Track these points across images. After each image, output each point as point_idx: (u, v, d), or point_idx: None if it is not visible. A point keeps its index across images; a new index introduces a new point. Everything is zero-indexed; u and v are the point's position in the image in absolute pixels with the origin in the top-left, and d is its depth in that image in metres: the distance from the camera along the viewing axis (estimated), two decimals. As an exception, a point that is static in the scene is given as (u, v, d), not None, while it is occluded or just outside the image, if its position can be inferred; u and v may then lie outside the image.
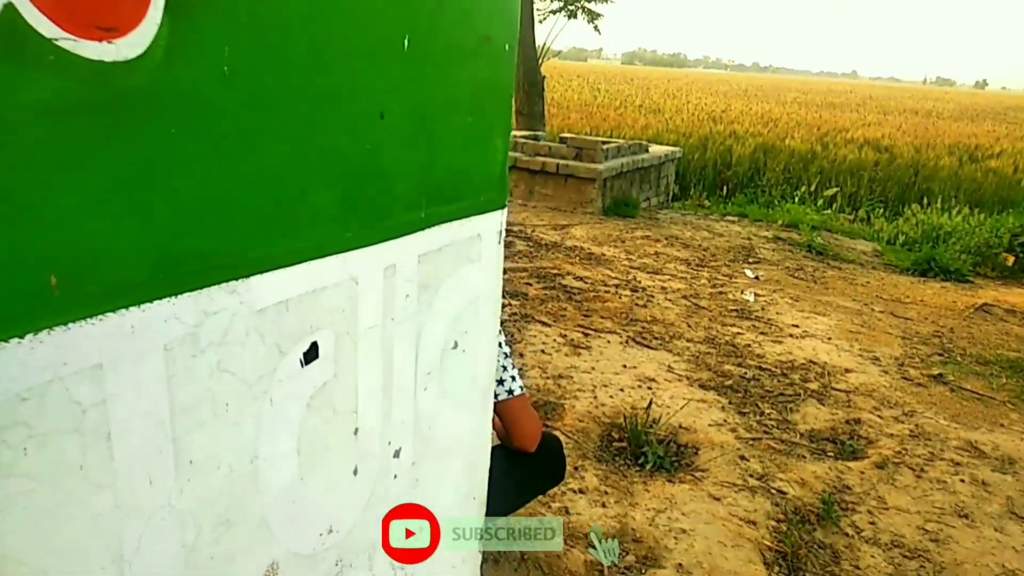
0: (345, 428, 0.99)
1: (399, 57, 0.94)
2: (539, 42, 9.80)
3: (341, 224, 0.90)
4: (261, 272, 0.82)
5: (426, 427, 1.17)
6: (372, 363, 1.01)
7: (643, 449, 2.65)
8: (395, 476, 1.10)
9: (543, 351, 3.42)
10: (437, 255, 1.10)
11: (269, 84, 0.78)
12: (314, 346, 0.90)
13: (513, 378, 1.70)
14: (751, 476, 2.56)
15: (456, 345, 1.19)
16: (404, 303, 1.05)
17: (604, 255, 5.30)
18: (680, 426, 2.86)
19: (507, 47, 1.15)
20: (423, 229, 1.06)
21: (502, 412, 1.72)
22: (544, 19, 10.47)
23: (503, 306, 3.87)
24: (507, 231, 5.43)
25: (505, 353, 1.68)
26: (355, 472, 1.01)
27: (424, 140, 1.02)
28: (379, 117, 0.93)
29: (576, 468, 2.51)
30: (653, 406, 2.99)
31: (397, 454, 1.10)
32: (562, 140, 6.86)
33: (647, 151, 7.54)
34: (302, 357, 0.89)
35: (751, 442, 2.80)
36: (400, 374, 1.08)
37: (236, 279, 0.79)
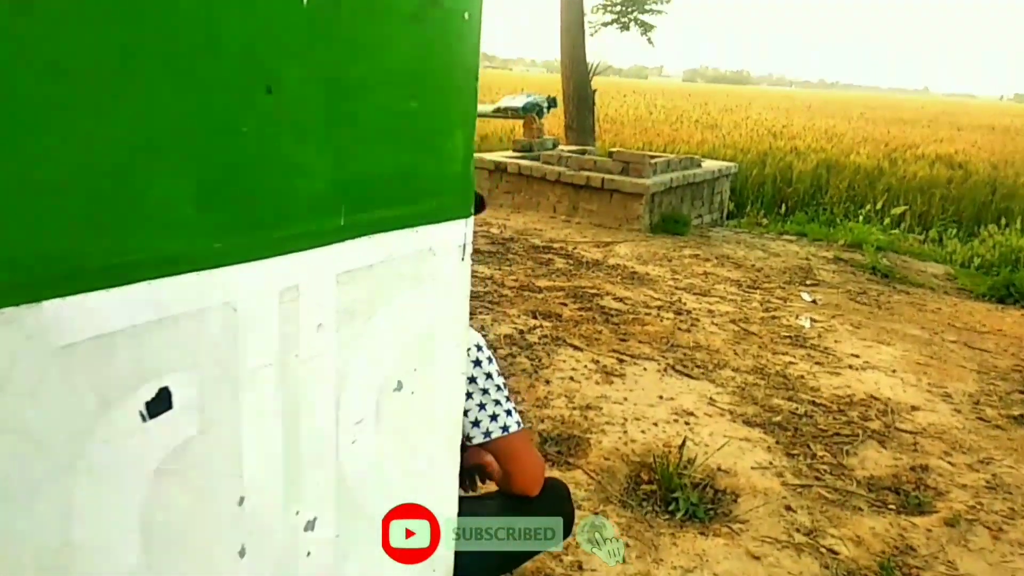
0: (222, 498, 0.75)
1: (296, 13, 0.71)
2: (590, 57, 9.58)
3: (201, 230, 0.67)
4: (65, 294, 0.59)
5: (357, 489, 0.93)
6: (264, 413, 0.78)
7: (674, 494, 2.35)
8: (308, 554, 0.86)
9: (572, 378, 3.16)
10: (367, 274, 0.87)
11: (79, 35, 0.56)
12: (163, 393, 0.67)
13: (509, 412, 1.46)
14: (798, 531, 2.24)
15: (401, 386, 0.96)
16: (315, 336, 0.82)
17: (648, 274, 5.00)
18: (719, 468, 2.56)
19: (466, 15, 0.91)
20: (342, 241, 0.83)
21: (498, 452, 1.49)
22: (596, 32, 10.25)
23: (532, 328, 3.63)
24: (547, 248, 5.21)
25: (498, 385, 1.44)
26: (241, 553, 0.77)
27: (338, 126, 0.78)
28: (264, 91, 0.70)
29: (596, 514, 2.23)
30: (689, 444, 2.69)
31: (310, 526, 0.86)
32: (610, 155, 6.60)
33: (699, 166, 7.21)
34: (144, 409, 0.67)
35: (799, 490, 2.47)
36: (313, 425, 0.85)
37: (21, 303, 0.57)
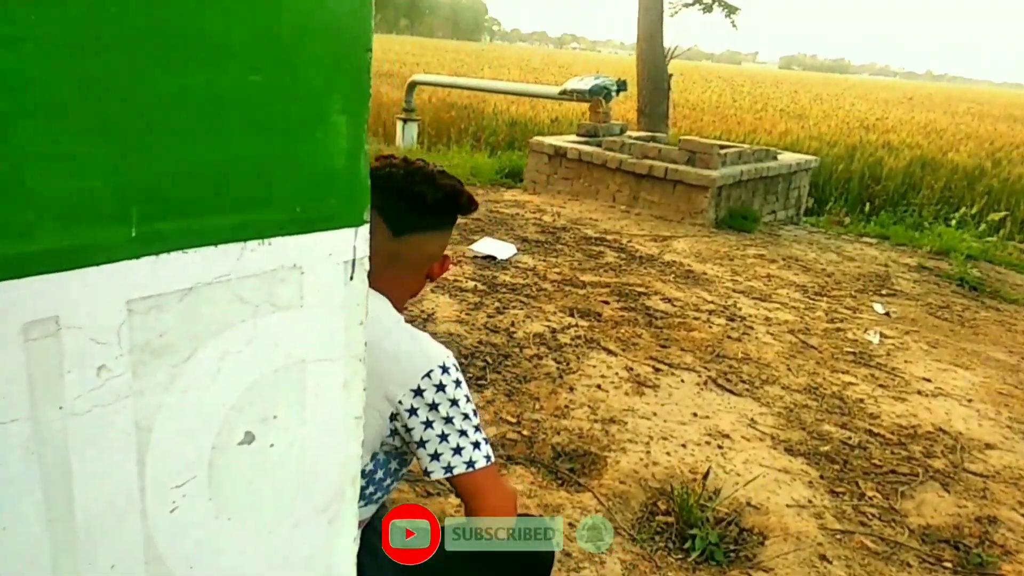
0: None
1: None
2: (673, 40, 9.14)
3: None
4: None
5: (181, 569, 0.73)
6: (11, 483, 0.59)
7: (692, 530, 2.09)
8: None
9: (599, 386, 2.91)
10: (182, 301, 0.66)
11: None
12: None
13: (476, 445, 1.25)
14: (830, 587, 1.95)
15: (252, 438, 0.75)
16: (95, 382, 0.61)
17: (704, 274, 4.67)
18: (748, 503, 2.27)
19: (344, -38, 0.68)
20: (135, 258, 0.62)
21: (461, 489, 1.29)
22: (676, 12, 9.78)
23: (566, 328, 3.38)
24: (599, 240, 4.93)
25: (465, 414, 1.24)
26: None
27: (122, 103, 0.57)
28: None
29: (598, 546, 2.00)
30: (718, 472, 2.41)
31: (99, 621, 0.66)
32: (679, 143, 6.23)
33: (775, 159, 6.75)
34: None
35: (839, 536, 2.17)
36: (100, 494, 0.65)
37: None
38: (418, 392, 1.21)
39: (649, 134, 7.98)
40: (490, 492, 1.29)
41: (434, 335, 3.15)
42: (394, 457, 1.31)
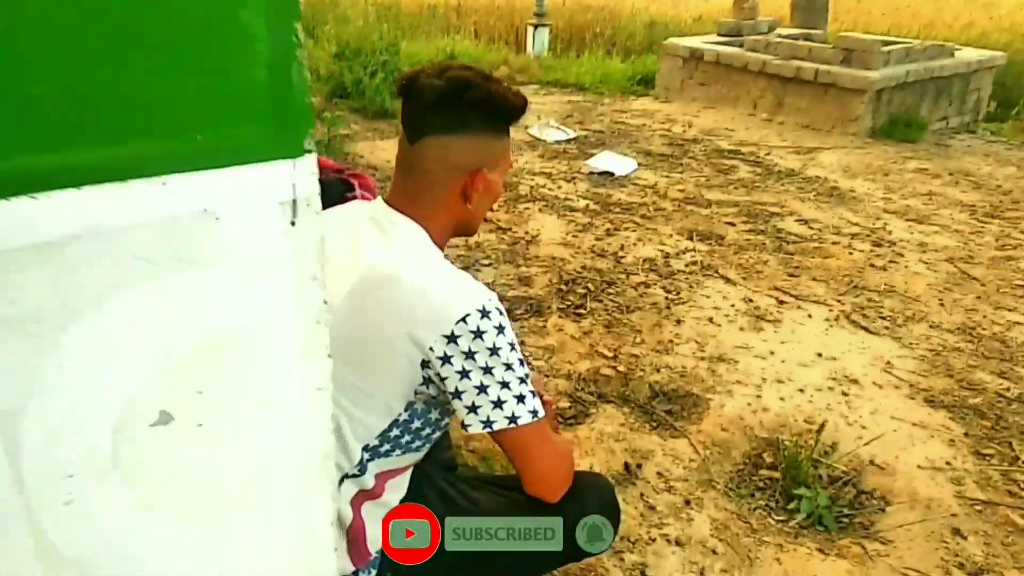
0: None
1: None
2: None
3: None
4: None
5: (96, 568, 0.63)
6: None
7: (799, 490, 1.86)
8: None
9: (711, 319, 2.65)
10: (48, 258, 0.53)
11: None
12: None
13: (521, 398, 1.10)
14: (961, 567, 1.67)
15: (169, 418, 0.63)
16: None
17: (852, 191, 4.15)
18: (872, 461, 1.99)
19: None
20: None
21: (504, 446, 1.15)
22: None
23: (682, 252, 3.11)
24: (733, 152, 4.51)
25: (507, 364, 1.09)
26: None
27: None
28: None
29: (687, 502, 1.82)
30: (839, 423, 2.13)
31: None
32: (837, 41, 5.51)
33: (951, 55, 5.85)
34: None
35: (980, 507, 1.86)
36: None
37: None
38: (452, 339, 1.05)
39: (803, 31, 7.15)
40: (537, 451, 1.14)
41: (536, 258, 3.00)
42: (435, 406, 1.17)
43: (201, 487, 0.67)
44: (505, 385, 1.08)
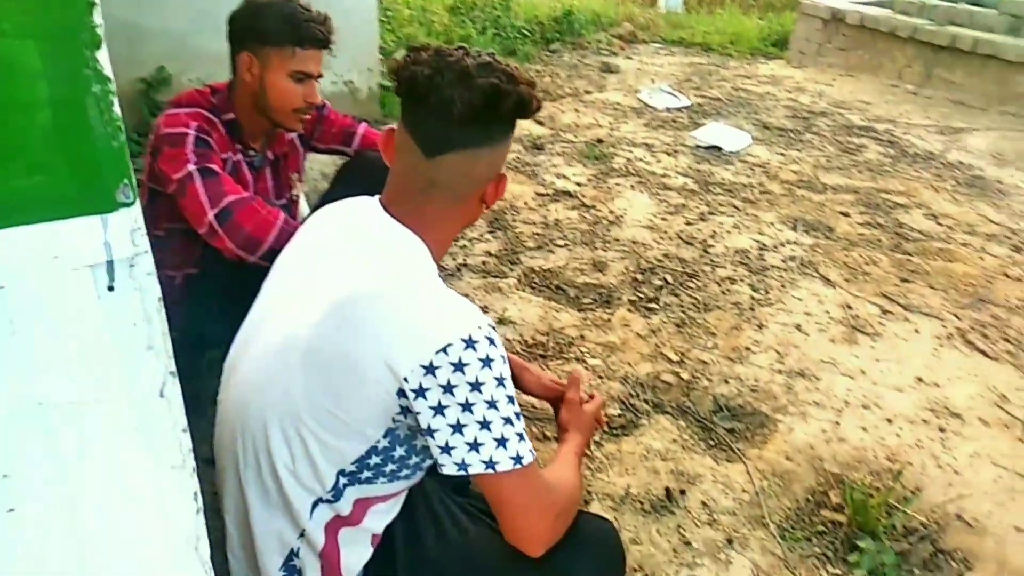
0: None
1: None
2: None
3: None
4: None
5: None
6: None
7: (863, 542, 1.63)
8: None
9: (799, 326, 2.38)
10: None
11: None
12: None
13: (502, 442, 1.00)
14: (1048, 665, 1.41)
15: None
16: None
17: (999, 182, 3.64)
18: (959, 515, 1.73)
19: None
20: None
21: (484, 493, 1.05)
22: None
23: (780, 245, 2.83)
24: (865, 130, 4.10)
25: (490, 401, 0.98)
26: None
27: None
28: None
29: (730, 540, 1.64)
30: (927, 465, 1.86)
31: None
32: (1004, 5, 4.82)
33: None
34: None
35: (1088, 591, 1.57)
36: None
37: None
38: (430, 369, 0.94)
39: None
40: (517, 503, 1.02)
41: (616, 241, 2.82)
42: (421, 434, 1.07)
43: None
44: (485, 425, 0.96)
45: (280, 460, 1.05)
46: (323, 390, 1.00)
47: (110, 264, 0.53)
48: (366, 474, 1.06)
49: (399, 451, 1.07)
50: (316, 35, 1.54)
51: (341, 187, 1.65)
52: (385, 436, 1.04)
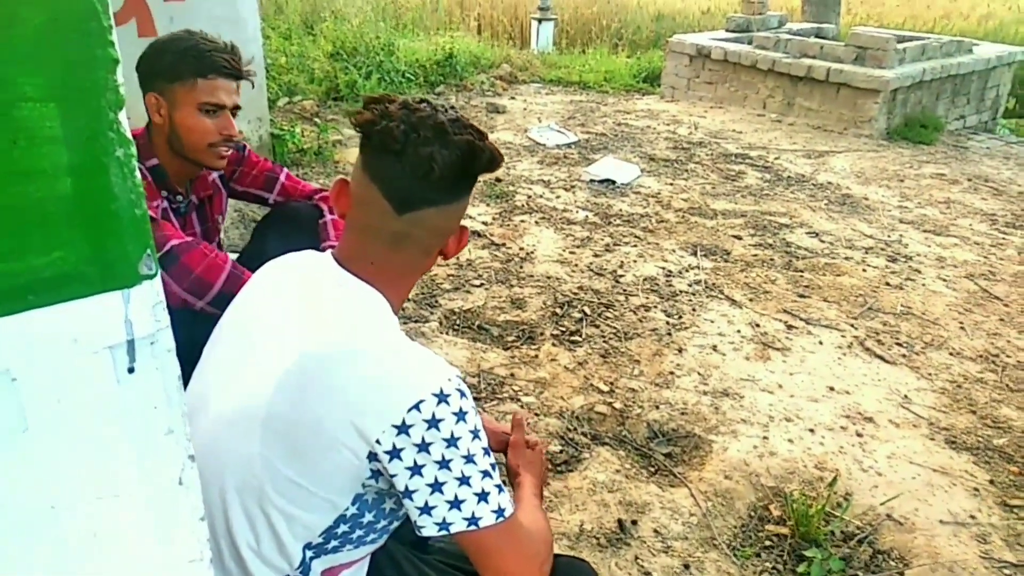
0: None
1: None
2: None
3: None
4: None
5: None
6: None
7: (808, 551, 1.69)
8: None
9: (715, 347, 2.48)
10: None
11: None
12: None
13: (482, 496, 0.94)
14: (990, 648, 1.51)
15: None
16: None
17: (866, 199, 3.96)
18: (889, 515, 1.83)
19: None
20: None
21: (465, 550, 0.98)
22: None
23: (685, 270, 2.94)
24: (741, 157, 4.33)
25: (468, 456, 0.93)
26: None
27: None
28: None
29: (687, 565, 1.66)
30: (854, 469, 1.96)
31: None
32: (850, 38, 5.30)
33: (969, 51, 5.63)
34: None
35: (1010, 571, 1.69)
36: None
37: None
38: (403, 429, 0.89)
39: (814, 26, 6.94)
40: (501, 557, 0.97)
41: (530, 277, 2.84)
42: (389, 496, 1.01)
43: None
44: (464, 481, 0.92)
45: (243, 541, 0.97)
46: (286, 459, 0.93)
47: (131, 344, 0.47)
48: (333, 543, 1.00)
49: (367, 517, 1.01)
50: (219, 63, 1.47)
51: (273, 239, 1.56)
52: (353, 503, 0.98)
